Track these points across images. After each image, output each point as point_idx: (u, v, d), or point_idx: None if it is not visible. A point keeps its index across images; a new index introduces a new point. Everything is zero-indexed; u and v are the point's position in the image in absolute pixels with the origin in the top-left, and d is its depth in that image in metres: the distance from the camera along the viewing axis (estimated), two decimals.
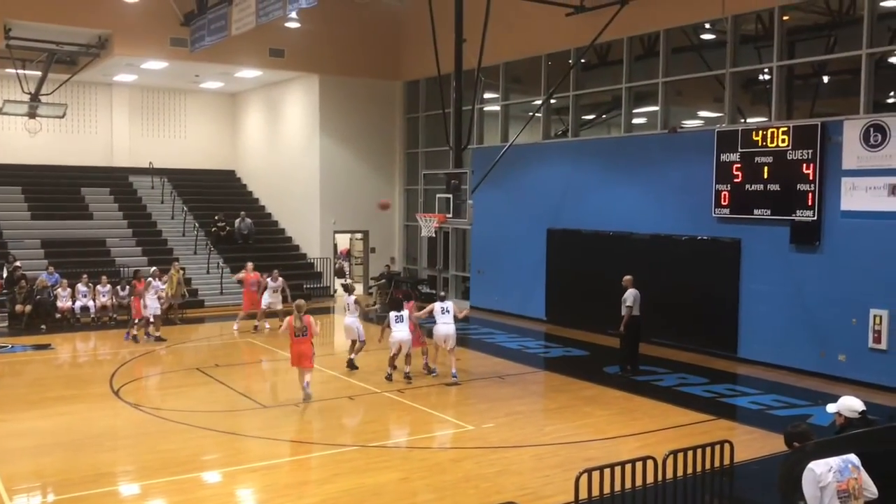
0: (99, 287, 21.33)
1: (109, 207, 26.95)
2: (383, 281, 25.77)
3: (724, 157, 16.51)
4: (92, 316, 21.14)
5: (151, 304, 18.38)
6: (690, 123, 19.32)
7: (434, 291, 25.69)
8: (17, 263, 21.50)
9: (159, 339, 18.36)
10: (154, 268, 20.55)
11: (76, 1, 21.46)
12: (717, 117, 17.90)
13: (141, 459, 10.43)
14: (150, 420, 12.16)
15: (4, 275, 21.25)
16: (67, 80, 25.62)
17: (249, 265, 20.92)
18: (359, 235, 28.95)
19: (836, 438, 6.28)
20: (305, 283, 25.38)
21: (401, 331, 14.30)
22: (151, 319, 18.47)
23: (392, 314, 14.48)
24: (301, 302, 13.52)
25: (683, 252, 17.51)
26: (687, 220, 17.49)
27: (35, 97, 24.96)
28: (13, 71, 24.03)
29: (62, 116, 25.96)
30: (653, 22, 18.32)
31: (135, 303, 18.51)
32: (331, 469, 10.12)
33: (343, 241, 31.87)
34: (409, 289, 25.57)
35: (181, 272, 21.75)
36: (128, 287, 21.55)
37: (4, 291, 20.91)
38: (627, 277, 15.19)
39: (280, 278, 20.22)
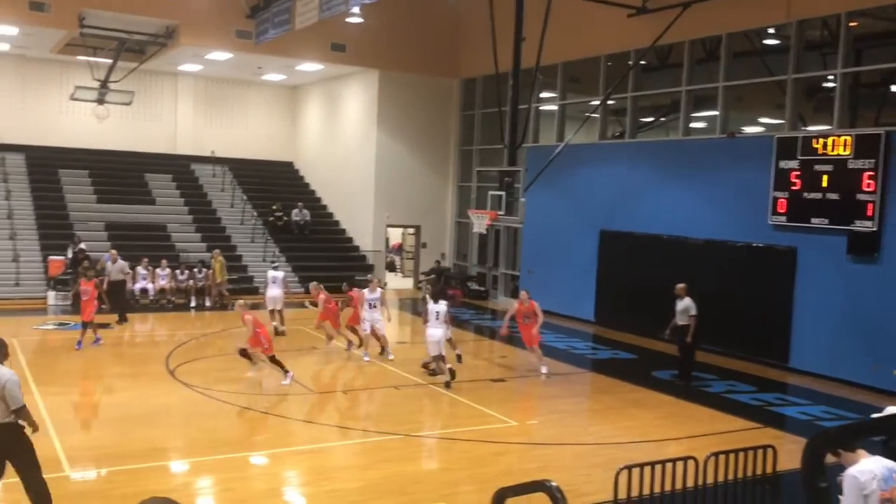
0: (158, 270, 21.97)
1: (171, 194, 27.71)
2: (433, 276, 26.00)
3: (782, 164, 16.27)
4: (151, 298, 21.77)
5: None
6: (750, 129, 19.06)
7: (483, 289, 25.90)
8: (82, 245, 22.22)
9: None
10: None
11: None
12: (778, 124, 17.63)
13: (192, 437, 10.79)
14: (202, 400, 12.52)
15: (70, 255, 22.01)
16: (135, 69, 26.33)
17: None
18: (411, 230, 29.22)
19: (859, 422, 6.20)
20: (356, 275, 25.69)
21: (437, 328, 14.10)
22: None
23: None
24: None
25: (737, 258, 17.30)
26: (742, 226, 17.27)
27: (104, 84, 25.76)
28: (85, 58, 24.85)
29: (129, 103, 26.73)
30: (715, 25, 18.12)
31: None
32: (374, 456, 10.31)
33: (395, 236, 32.19)
34: (458, 285, 25.82)
35: (221, 260, 21.94)
36: (187, 271, 22.18)
37: (69, 271, 21.65)
38: (681, 285, 14.75)
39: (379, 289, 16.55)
